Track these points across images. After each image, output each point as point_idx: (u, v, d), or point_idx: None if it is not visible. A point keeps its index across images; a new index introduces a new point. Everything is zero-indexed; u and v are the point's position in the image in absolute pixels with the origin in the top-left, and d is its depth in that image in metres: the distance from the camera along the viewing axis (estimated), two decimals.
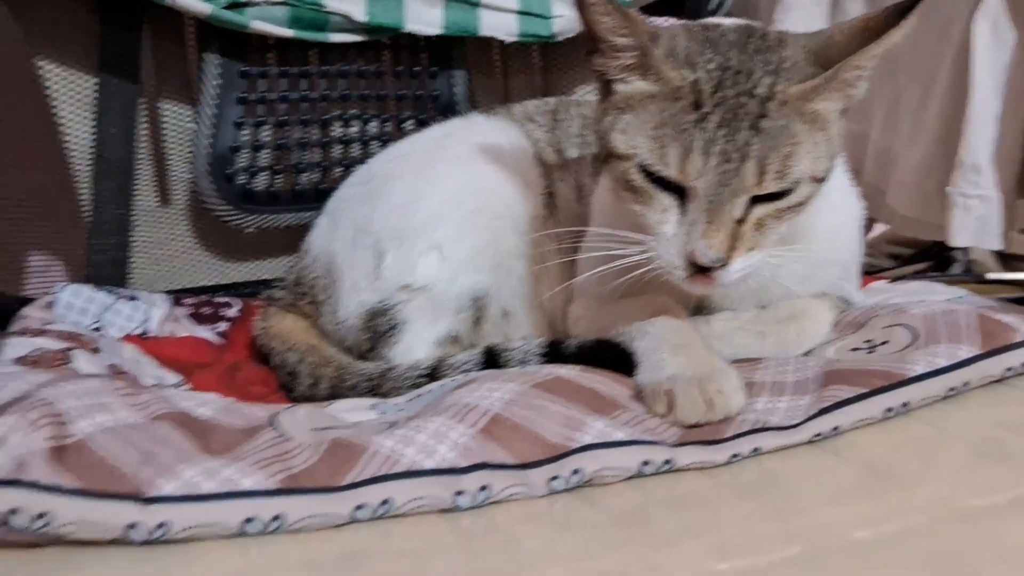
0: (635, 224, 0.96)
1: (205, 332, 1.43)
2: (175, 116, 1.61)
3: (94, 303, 1.35)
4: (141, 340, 1.32)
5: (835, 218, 1.09)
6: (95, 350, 1.16)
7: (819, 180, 0.93)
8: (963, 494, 0.80)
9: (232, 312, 1.50)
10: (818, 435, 0.87)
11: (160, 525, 0.71)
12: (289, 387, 1.20)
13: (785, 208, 0.91)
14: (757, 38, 0.94)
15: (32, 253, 1.53)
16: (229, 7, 1.47)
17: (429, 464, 0.79)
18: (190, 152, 1.61)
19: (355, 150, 1.67)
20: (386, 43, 1.65)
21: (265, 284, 1.63)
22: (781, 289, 1.08)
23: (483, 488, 0.78)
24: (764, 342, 1.07)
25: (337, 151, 1.66)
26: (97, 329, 1.31)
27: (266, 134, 1.60)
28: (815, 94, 0.90)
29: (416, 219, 1.20)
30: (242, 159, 1.59)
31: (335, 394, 1.13)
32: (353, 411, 0.98)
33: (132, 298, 1.40)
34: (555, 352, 1.07)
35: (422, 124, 1.66)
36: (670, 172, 0.90)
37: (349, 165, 1.63)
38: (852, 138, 0.98)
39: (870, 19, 0.91)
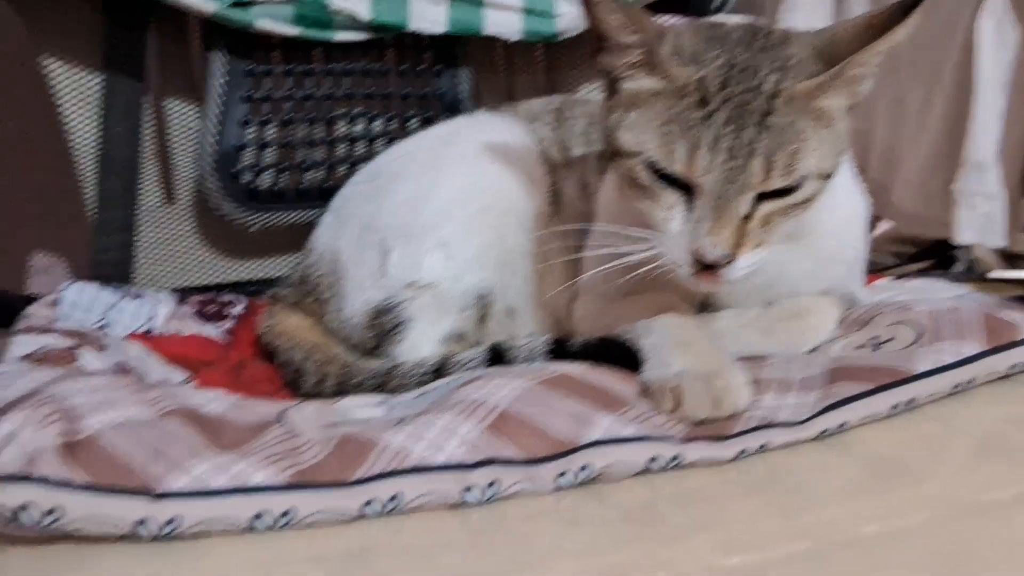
0: (641, 221, 0.96)
1: (210, 330, 1.43)
2: (180, 115, 1.62)
3: (99, 301, 1.35)
4: (146, 338, 1.32)
5: (841, 215, 1.09)
6: (101, 348, 1.16)
7: (825, 177, 0.93)
8: (970, 489, 0.81)
9: (237, 310, 1.50)
10: (825, 431, 0.87)
11: (170, 521, 0.72)
12: (295, 384, 1.20)
13: (791, 205, 0.91)
14: (763, 36, 0.94)
15: (36, 251, 1.53)
16: (234, 5, 1.47)
17: (438, 460, 0.79)
18: (195, 151, 1.61)
19: (360, 148, 1.67)
20: (390, 42, 1.65)
21: (270, 282, 1.63)
22: (787, 286, 1.08)
23: (492, 484, 0.79)
24: (770, 339, 1.07)
25: (342, 150, 1.66)
26: (102, 327, 1.32)
27: (271, 133, 1.60)
28: (821, 91, 0.91)
29: (422, 217, 1.20)
30: (247, 158, 1.59)
31: (341, 391, 1.13)
32: (361, 408, 0.98)
33: (137, 296, 1.40)
34: (560, 349, 1.07)
35: (426, 122, 1.66)
36: (677, 169, 0.90)
37: (354, 164, 1.64)
38: (856, 136, 0.98)
39: (874, 17, 0.91)
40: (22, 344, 1.11)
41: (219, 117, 1.55)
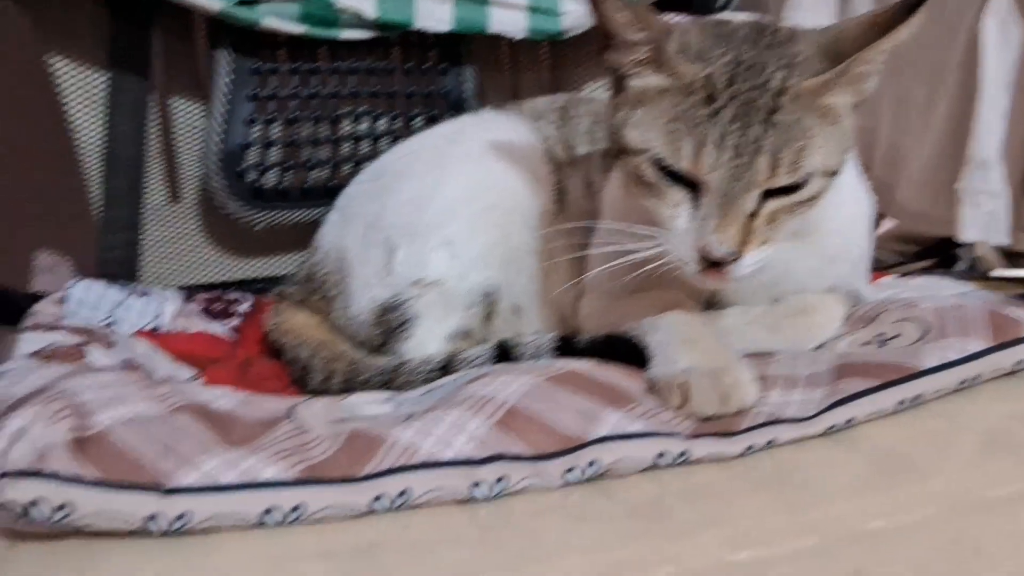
0: (646, 219, 0.96)
1: (217, 328, 1.43)
2: (185, 113, 1.62)
3: (106, 299, 1.36)
4: (153, 335, 1.33)
5: (846, 212, 1.09)
6: (109, 345, 1.16)
7: (831, 174, 0.93)
8: (975, 485, 0.81)
9: (243, 308, 1.50)
10: (832, 427, 0.87)
11: (180, 516, 0.72)
12: (302, 382, 1.21)
13: (798, 202, 0.92)
14: (769, 33, 0.94)
15: (42, 250, 1.53)
16: (240, 4, 1.48)
17: (447, 455, 0.79)
18: (200, 149, 1.61)
19: (365, 147, 1.67)
20: (395, 40, 1.66)
21: (275, 280, 1.63)
22: (793, 283, 1.09)
23: (500, 479, 0.79)
24: (776, 336, 1.08)
25: (347, 148, 1.66)
26: (109, 324, 1.32)
27: (276, 131, 1.60)
28: (827, 88, 0.91)
29: (427, 215, 1.21)
30: (253, 156, 1.59)
31: (348, 388, 1.13)
32: (369, 404, 0.99)
33: (144, 294, 1.41)
34: (567, 347, 1.07)
35: (431, 121, 1.67)
36: (683, 166, 0.90)
37: (359, 162, 1.64)
38: (861, 134, 0.98)
39: (879, 15, 0.91)
40: (30, 341, 1.11)
41: (224, 115, 1.55)
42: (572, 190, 1.28)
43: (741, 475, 0.83)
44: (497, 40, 1.71)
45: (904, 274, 1.53)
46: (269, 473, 0.75)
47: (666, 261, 0.95)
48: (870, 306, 1.13)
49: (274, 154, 1.61)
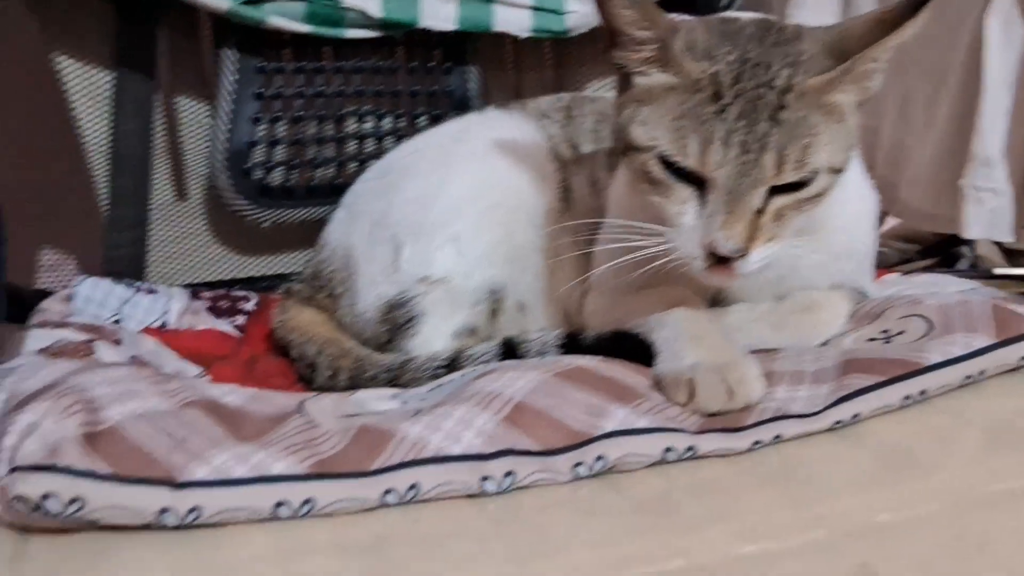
0: (652, 216, 0.97)
1: (223, 325, 1.44)
2: (191, 112, 1.62)
3: (113, 296, 1.36)
4: (160, 333, 1.33)
5: (851, 210, 1.10)
6: (117, 342, 1.17)
7: (837, 171, 0.94)
8: (981, 480, 0.82)
9: (249, 306, 1.51)
10: (838, 422, 0.88)
11: (192, 510, 0.73)
12: (308, 379, 1.21)
13: (804, 199, 0.92)
14: (774, 31, 0.95)
15: (49, 248, 1.55)
16: (247, 3, 1.48)
17: (456, 450, 0.80)
18: (207, 147, 1.61)
19: (369, 146, 1.67)
20: (400, 39, 1.66)
21: (281, 278, 1.63)
22: (798, 280, 1.09)
23: (508, 474, 0.80)
24: (781, 333, 1.08)
25: (351, 147, 1.67)
26: (117, 322, 1.33)
27: (282, 130, 1.61)
28: (832, 86, 0.91)
29: (433, 213, 1.21)
30: (259, 154, 1.59)
31: (354, 385, 1.14)
32: (376, 400, 0.99)
33: (151, 291, 1.41)
34: (573, 343, 1.08)
35: (435, 120, 1.67)
36: (690, 163, 0.90)
37: (364, 161, 1.64)
38: (864, 133, 0.99)
39: (884, 13, 0.91)
40: (38, 338, 1.12)
41: (230, 114, 1.55)
42: (577, 188, 1.29)
43: (748, 470, 0.83)
44: (501, 39, 1.72)
45: (907, 272, 1.53)
46: (280, 467, 0.76)
47: (672, 258, 0.95)
48: (875, 303, 1.14)
49: (280, 152, 1.61)
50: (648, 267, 0.97)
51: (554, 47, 1.81)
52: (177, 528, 0.73)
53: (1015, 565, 0.77)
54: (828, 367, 0.96)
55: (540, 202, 1.24)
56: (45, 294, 1.37)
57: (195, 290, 1.52)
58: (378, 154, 1.62)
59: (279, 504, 0.74)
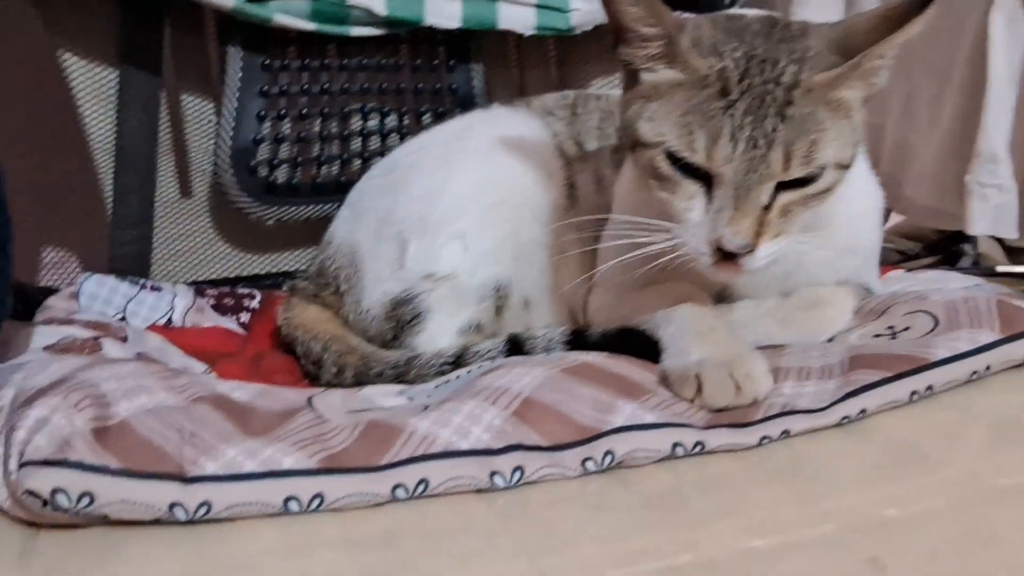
0: (658, 213, 0.97)
1: (228, 323, 1.44)
2: (196, 109, 1.62)
3: (118, 293, 1.37)
4: (165, 330, 1.34)
5: (857, 206, 1.10)
6: (123, 339, 1.17)
7: (844, 167, 0.94)
8: (987, 475, 0.82)
9: (253, 303, 1.51)
10: (846, 418, 0.88)
11: (202, 504, 0.73)
12: (314, 376, 1.21)
13: (811, 195, 0.93)
14: (781, 28, 0.95)
15: (53, 245, 1.55)
16: (252, 0, 1.48)
17: (464, 445, 0.80)
18: (211, 145, 1.61)
19: (374, 143, 1.67)
20: (404, 37, 1.66)
21: (285, 276, 1.64)
22: (804, 276, 1.09)
23: (517, 469, 0.80)
24: (787, 329, 1.08)
25: (356, 144, 1.67)
26: (122, 319, 1.33)
27: (287, 127, 1.61)
28: (839, 82, 0.92)
29: (438, 210, 1.21)
30: (263, 152, 1.59)
31: (360, 382, 1.14)
32: (384, 396, 0.99)
33: (156, 289, 1.42)
34: (578, 340, 1.08)
35: (439, 118, 1.67)
36: (697, 159, 0.91)
37: (368, 158, 1.65)
38: (869, 130, 0.99)
39: (890, 9, 0.92)
40: (44, 335, 1.12)
41: (235, 111, 1.55)
42: (582, 185, 1.29)
43: (756, 465, 0.83)
44: (505, 37, 1.72)
45: (910, 270, 1.53)
46: (290, 462, 0.76)
47: (679, 254, 0.95)
48: (880, 299, 1.14)
49: (284, 150, 1.61)
50: (654, 263, 0.98)
51: (558, 45, 1.81)
52: (186, 523, 0.73)
53: (1022, 559, 0.77)
54: (834, 363, 0.96)
55: (545, 199, 1.25)
56: (50, 291, 1.37)
57: (200, 287, 1.53)
58: (382, 152, 1.63)
59: (289, 499, 0.74)
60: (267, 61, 1.57)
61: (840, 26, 0.95)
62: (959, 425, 0.89)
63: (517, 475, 0.80)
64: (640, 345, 1.01)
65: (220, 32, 1.57)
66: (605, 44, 1.71)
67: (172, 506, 0.72)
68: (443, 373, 1.09)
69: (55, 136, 1.52)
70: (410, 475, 0.77)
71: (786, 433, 0.86)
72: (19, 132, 1.44)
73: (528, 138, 1.29)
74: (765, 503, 0.78)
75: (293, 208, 1.63)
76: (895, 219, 1.88)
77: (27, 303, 1.31)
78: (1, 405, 0.83)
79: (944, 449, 0.85)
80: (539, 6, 1.64)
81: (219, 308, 1.47)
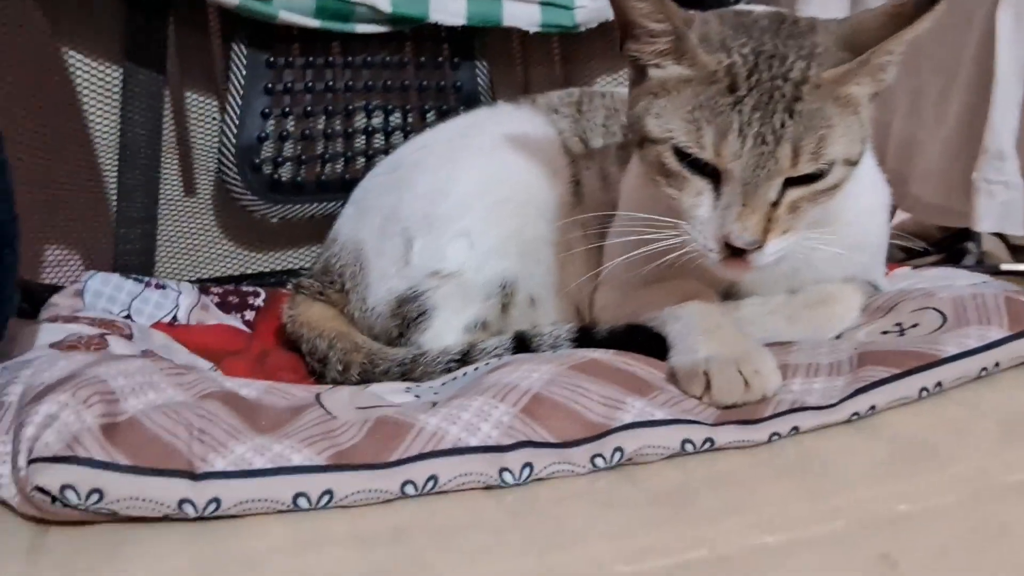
0: (666, 209, 0.97)
1: (232, 320, 1.44)
2: (200, 106, 1.62)
3: (123, 291, 1.36)
4: (170, 328, 1.34)
5: (865, 203, 1.10)
6: (128, 336, 1.17)
7: (852, 163, 0.94)
8: (996, 471, 0.82)
9: (258, 301, 1.51)
10: (855, 414, 0.87)
11: (212, 501, 0.73)
12: (319, 373, 1.21)
13: (819, 191, 0.92)
14: (789, 24, 0.95)
15: (57, 243, 1.54)
16: None
17: (473, 442, 0.80)
18: (215, 142, 1.61)
19: (378, 141, 1.68)
20: (408, 34, 1.66)
21: (290, 274, 1.65)
22: (812, 273, 1.09)
23: (526, 466, 0.80)
24: (794, 326, 1.08)
25: (360, 142, 1.67)
26: (127, 317, 1.33)
27: (291, 125, 1.61)
28: (848, 78, 0.91)
29: (444, 207, 1.21)
30: (268, 150, 1.59)
31: (365, 380, 1.14)
32: (392, 393, 0.99)
33: (160, 286, 1.41)
34: (585, 337, 1.08)
35: (443, 115, 1.68)
36: (706, 155, 0.91)
37: (372, 156, 1.66)
38: (875, 127, 0.99)
39: (897, 6, 0.91)
40: (50, 332, 1.12)
41: (239, 109, 1.55)
42: (588, 183, 1.29)
43: (765, 462, 0.83)
44: (509, 34, 1.72)
45: (916, 267, 1.53)
46: (299, 459, 0.76)
47: (687, 251, 0.95)
48: (887, 296, 1.14)
49: (289, 147, 1.62)
50: (661, 260, 0.98)
51: (562, 42, 1.81)
52: (195, 520, 0.73)
53: None
54: (843, 359, 0.96)
55: (551, 196, 1.24)
56: (54, 289, 1.36)
57: (204, 285, 1.53)
58: (386, 149, 1.63)
59: (299, 495, 0.74)
60: (271, 58, 1.57)
61: (848, 22, 0.95)
62: (968, 421, 0.89)
63: (526, 472, 0.80)
64: (647, 342, 1.01)
65: (224, 29, 1.58)
66: (609, 42, 1.74)
67: (182, 503, 0.72)
68: (449, 370, 1.09)
69: (59, 134, 1.52)
70: (419, 472, 0.77)
71: (796, 430, 0.86)
72: (23, 130, 1.43)
73: (533, 135, 1.28)
74: (775, 500, 0.78)
75: (297, 206, 1.63)
76: (899, 216, 1.87)
77: (32, 301, 1.30)
78: (9, 402, 0.83)
79: (954, 445, 0.85)
80: (544, 3, 1.64)
81: (224, 306, 1.47)
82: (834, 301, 1.10)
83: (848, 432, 0.87)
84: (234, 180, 1.57)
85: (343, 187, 1.48)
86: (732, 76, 0.90)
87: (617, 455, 0.82)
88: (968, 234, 1.81)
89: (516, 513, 0.77)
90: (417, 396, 0.99)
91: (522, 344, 1.10)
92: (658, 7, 0.93)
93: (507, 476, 0.79)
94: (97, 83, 1.53)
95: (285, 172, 1.61)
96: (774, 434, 0.85)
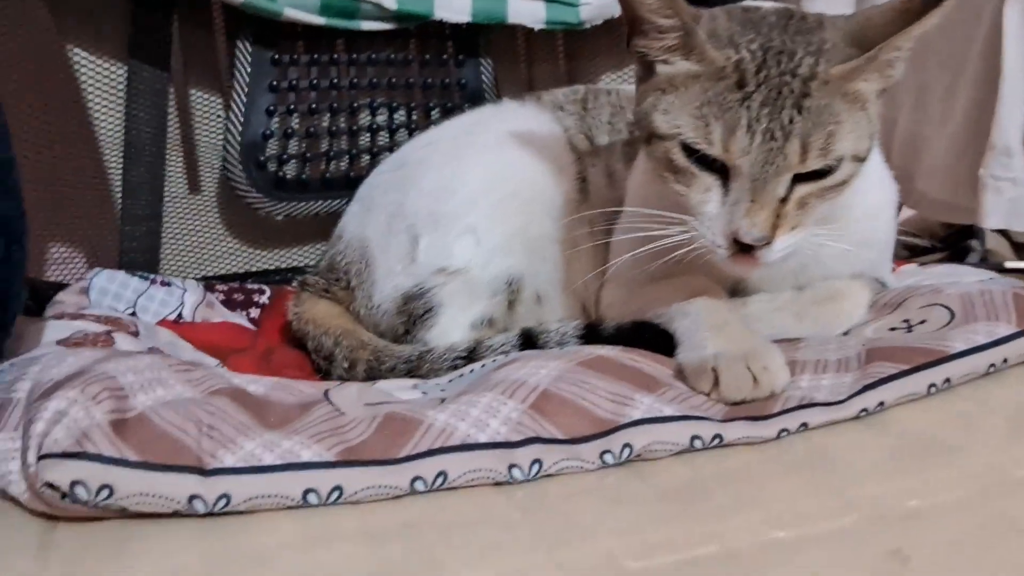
0: (673, 205, 0.97)
1: (237, 318, 1.44)
2: (205, 104, 1.62)
3: (128, 288, 1.37)
4: (176, 325, 1.34)
5: (872, 199, 1.10)
6: (134, 333, 1.17)
7: (860, 159, 0.94)
8: (1007, 465, 0.81)
9: (263, 298, 1.51)
10: (864, 410, 0.88)
11: (222, 496, 0.73)
12: (325, 371, 1.21)
13: (827, 187, 0.92)
14: (797, 19, 0.95)
15: (63, 240, 1.54)
16: None
17: (482, 438, 0.80)
18: (220, 140, 1.62)
19: (383, 138, 1.68)
20: (413, 31, 1.66)
21: (295, 271, 1.65)
22: (819, 269, 1.09)
23: (535, 462, 0.80)
24: (803, 323, 1.08)
25: (365, 139, 1.67)
26: (133, 314, 1.33)
27: (296, 122, 1.61)
28: (856, 74, 0.91)
29: (450, 204, 1.21)
30: (273, 147, 1.59)
31: (372, 376, 1.14)
32: (399, 390, 0.99)
33: (166, 284, 1.41)
34: (593, 334, 1.08)
35: (447, 112, 1.68)
36: (714, 150, 0.90)
37: (377, 153, 1.65)
38: (882, 124, 0.99)
39: (907, 1, 0.91)
40: (56, 329, 1.12)
41: (244, 106, 1.56)
42: (594, 180, 1.29)
43: (774, 458, 0.83)
44: (513, 32, 1.72)
45: (923, 264, 1.53)
46: (308, 455, 0.76)
47: (695, 247, 0.95)
48: (895, 293, 1.14)
49: (294, 145, 1.62)
50: (668, 256, 0.98)
51: (566, 39, 1.81)
52: (204, 516, 0.73)
53: None
54: (851, 356, 0.96)
55: (557, 193, 1.24)
56: (59, 286, 1.36)
57: (209, 283, 1.52)
58: (391, 147, 1.63)
59: (308, 491, 0.74)
60: (276, 56, 1.57)
61: (856, 18, 0.95)
62: (977, 417, 0.89)
63: (535, 468, 0.80)
64: (654, 339, 1.01)
65: (229, 26, 1.57)
66: (614, 38, 1.74)
67: (192, 499, 0.72)
68: (456, 367, 1.09)
69: (64, 131, 1.52)
70: (429, 468, 0.77)
71: (804, 426, 0.86)
72: (28, 127, 1.43)
73: (539, 132, 1.28)
74: (784, 495, 0.78)
75: (302, 203, 1.63)
76: (904, 213, 1.87)
77: (37, 298, 1.30)
78: (18, 398, 0.84)
79: (962, 441, 0.85)
80: (549, 0, 1.63)
81: (229, 303, 1.47)
82: (842, 297, 1.10)
83: (857, 428, 0.87)
84: (239, 177, 1.57)
85: (348, 184, 1.49)
86: (741, 72, 0.90)
87: (626, 451, 0.82)
88: (971, 231, 1.81)
89: (525, 509, 0.77)
90: (424, 393, 0.99)
91: (529, 341, 1.10)
92: (667, 3, 0.93)
93: (516, 472, 0.79)
94: (102, 80, 1.53)
95: (290, 169, 1.61)
96: (783, 430, 0.85)
